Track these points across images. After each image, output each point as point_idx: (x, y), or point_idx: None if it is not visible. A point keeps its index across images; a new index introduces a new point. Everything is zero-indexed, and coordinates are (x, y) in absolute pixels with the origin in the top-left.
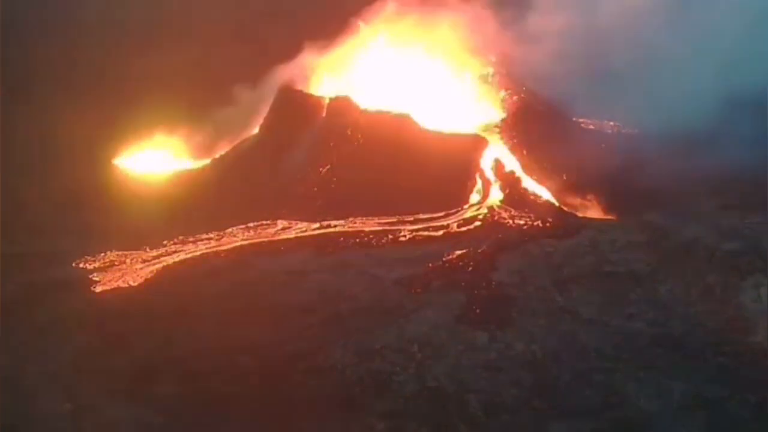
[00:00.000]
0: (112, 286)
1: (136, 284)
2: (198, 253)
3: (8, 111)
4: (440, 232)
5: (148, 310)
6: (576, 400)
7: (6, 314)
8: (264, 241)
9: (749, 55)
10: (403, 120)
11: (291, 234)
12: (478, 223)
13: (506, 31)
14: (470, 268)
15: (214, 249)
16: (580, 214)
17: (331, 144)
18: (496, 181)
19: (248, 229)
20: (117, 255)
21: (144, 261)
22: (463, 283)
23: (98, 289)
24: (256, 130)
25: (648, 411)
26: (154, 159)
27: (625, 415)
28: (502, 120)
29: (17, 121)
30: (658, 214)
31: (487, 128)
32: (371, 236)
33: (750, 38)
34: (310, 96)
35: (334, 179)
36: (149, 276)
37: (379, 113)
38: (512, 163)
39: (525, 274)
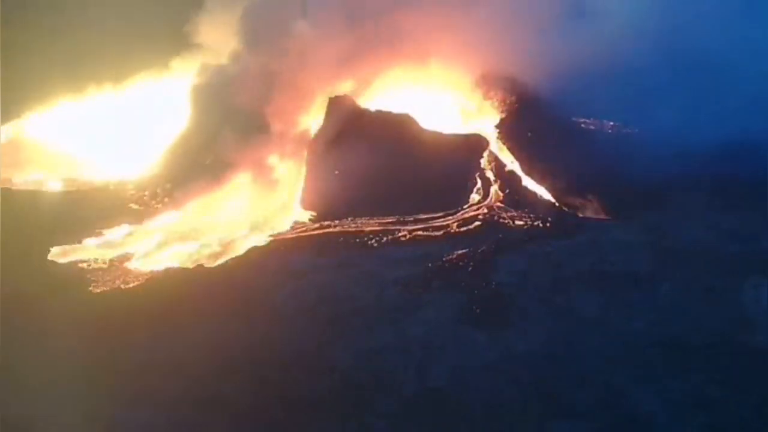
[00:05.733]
0: (112, 286)
1: (135, 284)
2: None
3: None
4: (440, 232)
5: (148, 310)
6: (576, 400)
7: (6, 314)
8: (264, 241)
9: (750, 53)
10: (403, 120)
11: (291, 234)
12: (478, 223)
13: (506, 30)
14: (470, 268)
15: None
16: (580, 214)
17: (331, 143)
18: (496, 181)
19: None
20: (117, 255)
21: (144, 261)
22: (463, 283)
23: (97, 289)
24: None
25: (648, 411)
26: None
27: (625, 415)
28: (502, 120)
29: None
30: (658, 214)
31: (487, 128)
32: (371, 236)
33: (752, 35)
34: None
35: (334, 179)
36: (149, 276)
37: (379, 113)
38: (512, 163)
39: (525, 274)
